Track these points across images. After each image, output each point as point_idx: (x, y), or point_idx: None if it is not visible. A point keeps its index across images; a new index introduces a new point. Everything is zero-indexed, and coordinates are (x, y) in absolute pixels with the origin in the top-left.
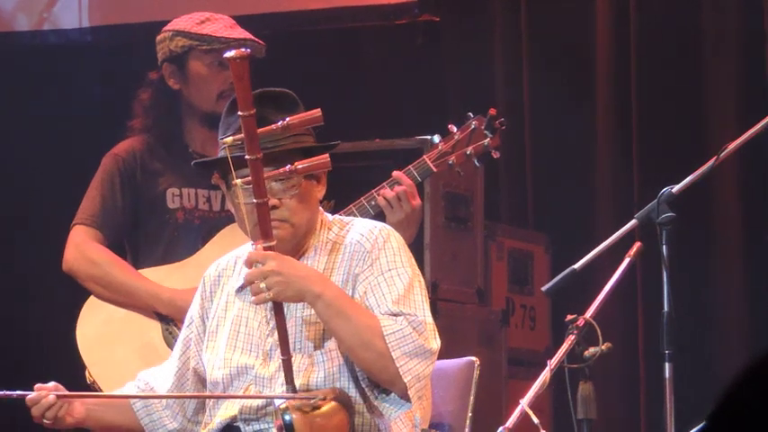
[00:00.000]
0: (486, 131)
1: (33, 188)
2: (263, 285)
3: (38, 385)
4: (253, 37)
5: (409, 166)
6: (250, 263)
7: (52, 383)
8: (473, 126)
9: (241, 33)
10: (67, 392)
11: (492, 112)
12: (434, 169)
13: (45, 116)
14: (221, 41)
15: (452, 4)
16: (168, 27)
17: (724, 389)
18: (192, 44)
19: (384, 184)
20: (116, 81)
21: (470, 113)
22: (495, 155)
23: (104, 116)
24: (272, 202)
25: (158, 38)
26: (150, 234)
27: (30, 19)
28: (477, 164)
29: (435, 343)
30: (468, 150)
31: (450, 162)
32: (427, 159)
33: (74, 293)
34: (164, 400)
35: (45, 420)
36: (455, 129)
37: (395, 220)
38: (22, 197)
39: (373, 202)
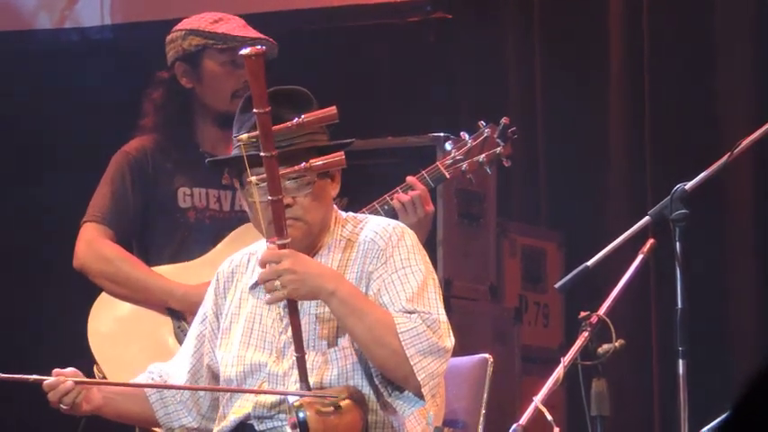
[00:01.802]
0: (498, 140)
1: (47, 186)
2: (277, 284)
3: (56, 370)
4: (266, 37)
5: (422, 172)
6: (264, 262)
7: (71, 369)
8: (485, 134)
9: (255, 33)
10: (86, 379)
11: (505, 121)
12: (447, 176)
13: (64, 113)
14: (237, 40)
15: (465, 1)
16: (180, 26)
17: (748, 376)
18: (207, 43)
19: (398, 188)
20: (138, 79)
21: (483, 122)
22: (507, 163)
23: (125, 114)
24: (286, 200)
25: (169, 37)
26: (161, 233)
27: (51, 17)
28: (488, 171)
29: (449, 341)
30: (481, 158)
31: (463, 168)
32: (440, 165)
33: (85, 290)
34: (178, 396)
35: (62, 406)
36: (467, 136)
37: (407, 224)
38: (35, 196)
39: (386, 207)
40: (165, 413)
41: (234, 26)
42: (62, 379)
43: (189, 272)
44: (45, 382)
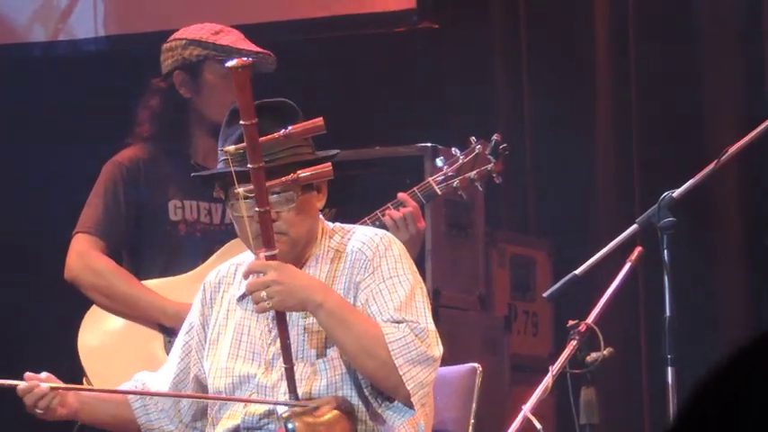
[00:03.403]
0: (489, 156)
1: (42, 197)
2: (263, 295)
3: (28, 374)
4: (267, 51)
5: (414, 189)
6: (249, 272)
7: (44, 374)
8: (477, 150)
9: (255, 47)
10: (60, 384)
11: (497, 137)
12: (439, 192)
13: (57, 125)
14: (239, 53)
15: (452, 11)
16: (180, 35)
17: (683, 403)
18: (208, 54)
19: (389, 204)
20: (132, 90)
21: (474, 138)
22: (498, 180)
23: (118, 126)
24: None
25: (167, 45)
26: (151, 245)
27: (45, 30)
28: (479, 188)
29: (438, 350)
30: (472, 174)
31: (455, 185)
32: (432, 182)
33: (75, 301)
34: (160, 404)
35: (37, 410)
36: (459, 152)
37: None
38: (28, 205)
39: (378, 223)
40: (147, 420)
41: (235, 38)
42: (35, 383)
43: (180, 286)
44: (19, 386)
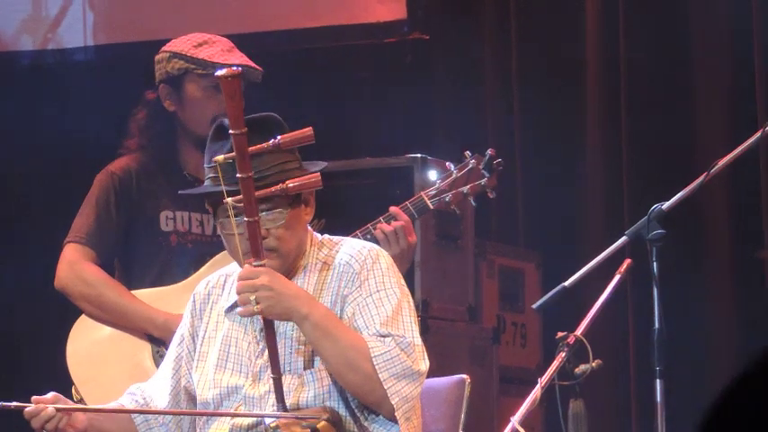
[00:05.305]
0: (483, 171)
1: (30, 202)
2: (252, 298)
3: (35, 397)
4: (250, 62)
5: (406, 203)
6: (242, 279)
7: (51, 395)
8: (471, 165)
9: (239, 58)
10: (65, 405)
11: (491, 152)
12: (431, 207)
13: (47, 133)
14: (217, 66)
15: (442, 22)
16: (167, 47)
17: (712, 400)
18: (189, 67)
19: (380, 218)
20: (120, 100)
21: (468, 152)
22: (491, 195)
23: (107, 135)
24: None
25: (156, 57)
26: (143, 256)
27: (34, 39)
28: (473, 203)
29: (424, 364)
30: (466, 189)
31: (447, 199)
32: (424, 196)
33: (64, 310)
34: (161, 419)
35: None
36: (453, 167)
37: (390, 255)
38: (19, 212)
39: (369, 237)
40: None
41: (218, 50)
42: (42, 406)
43: (170, 296)
44: (26, 409)
